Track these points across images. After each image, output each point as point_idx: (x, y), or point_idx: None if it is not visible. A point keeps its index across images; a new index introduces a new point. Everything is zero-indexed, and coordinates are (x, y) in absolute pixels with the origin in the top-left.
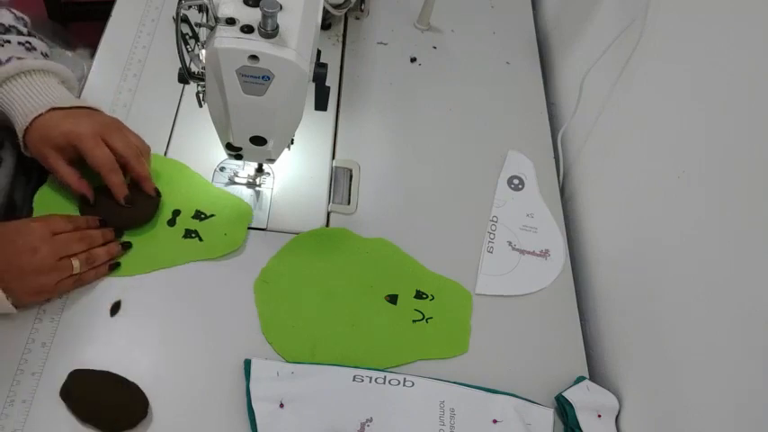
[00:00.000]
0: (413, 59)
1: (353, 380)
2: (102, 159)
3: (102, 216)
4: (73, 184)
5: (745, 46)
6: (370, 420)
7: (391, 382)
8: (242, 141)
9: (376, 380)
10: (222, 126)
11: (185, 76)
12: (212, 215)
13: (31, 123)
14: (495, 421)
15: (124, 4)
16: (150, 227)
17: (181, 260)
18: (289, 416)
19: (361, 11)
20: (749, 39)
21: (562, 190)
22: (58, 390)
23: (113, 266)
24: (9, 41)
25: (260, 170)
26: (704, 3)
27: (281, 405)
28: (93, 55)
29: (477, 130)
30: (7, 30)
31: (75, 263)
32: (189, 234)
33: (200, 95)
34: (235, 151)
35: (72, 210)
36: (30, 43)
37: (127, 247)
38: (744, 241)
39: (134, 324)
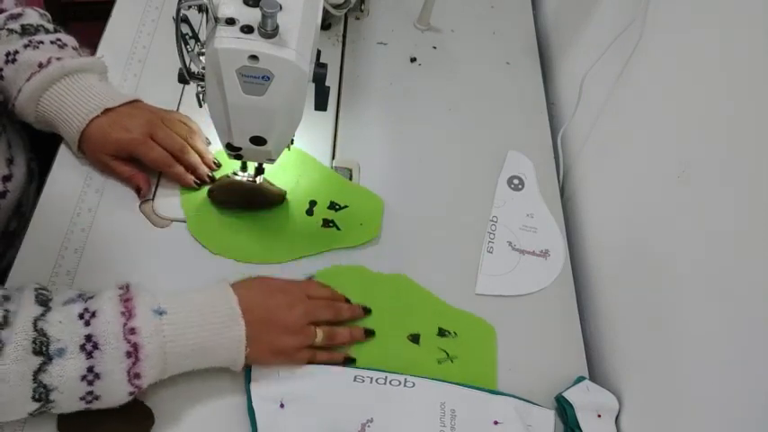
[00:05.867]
0: (413, 59)
1: (354, 380)
2: (158, 160)
3: (232, 204)
4: (132, 178)
5: (746, 46)
6: (371, 421)
7: (392, 382)
8: (242, 141)
9: (377, 380)
10: (222, 126)
11: (185, 77)
12: (346, 206)
13: (87, 125)
14: (495, 422)
15: (124, 4)
16: (290, 217)
17: (321, 248)
18: (289, 416)
19: (361, 11)
20: (749, 39)
21: (562, 190)
22: None
23: (348, 360)
24: (42, 42)
25: (260, 170)
26: (704, 3)
27: (282, 405)
28: (93, 55)
29: (477, 130)
30: (36, 30)
31: (319, 333)
32: (327, 223)
33: (200, 96)
34: (235, 151)
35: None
36: (60, 40)
37: (370, 333)
38: (744, 241)
39: None
